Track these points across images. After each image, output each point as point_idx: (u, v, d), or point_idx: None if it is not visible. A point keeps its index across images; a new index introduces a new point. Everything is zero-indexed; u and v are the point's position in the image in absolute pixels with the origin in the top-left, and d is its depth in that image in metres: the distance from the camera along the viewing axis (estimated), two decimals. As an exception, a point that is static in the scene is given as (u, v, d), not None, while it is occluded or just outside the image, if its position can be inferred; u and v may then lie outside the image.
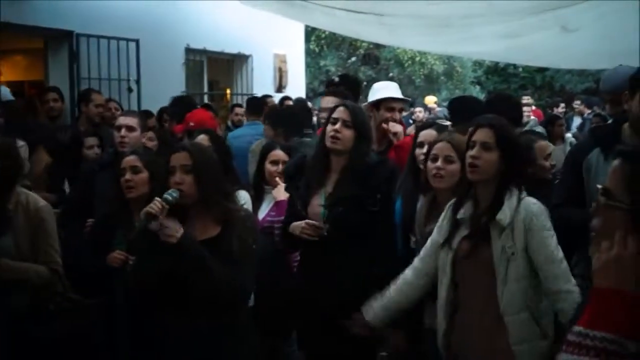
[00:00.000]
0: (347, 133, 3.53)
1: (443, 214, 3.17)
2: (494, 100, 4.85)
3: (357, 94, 5.59)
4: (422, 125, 4.24)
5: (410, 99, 5.17)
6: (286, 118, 5.74)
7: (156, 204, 2.95)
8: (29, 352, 3.37)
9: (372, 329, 3.30)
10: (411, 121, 10.67)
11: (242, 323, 3.18)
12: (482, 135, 3.00)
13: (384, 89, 4.91)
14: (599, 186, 1.49)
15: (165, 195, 2.98)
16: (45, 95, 6.55)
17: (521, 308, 2.87)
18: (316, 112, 8.07)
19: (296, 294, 3.74)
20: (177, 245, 2.95)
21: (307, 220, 3.53)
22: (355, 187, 3.52)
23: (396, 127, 4.66)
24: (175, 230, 2.97)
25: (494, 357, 2.90)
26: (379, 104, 4.74)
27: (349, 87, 5.36)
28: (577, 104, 13.13)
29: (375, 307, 3.25)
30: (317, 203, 3.60)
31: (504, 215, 2.89)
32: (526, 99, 13.15)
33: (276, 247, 4.01)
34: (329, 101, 4.67)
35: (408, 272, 3.24)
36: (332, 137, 3.53)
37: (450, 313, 3.05)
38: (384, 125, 4.64)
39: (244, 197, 4.04)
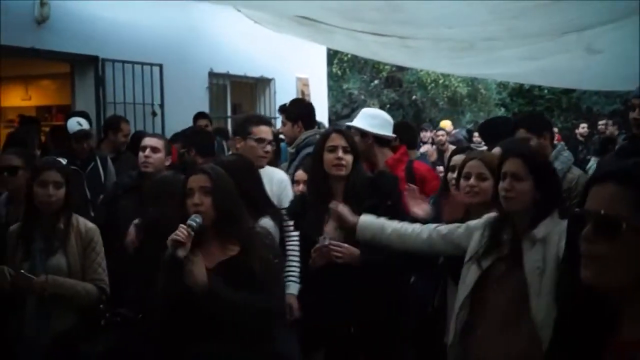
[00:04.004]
0: (348, 158, 3.58)
1: (480, 230, 3.10)
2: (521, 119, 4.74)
3: (310, 118, 5.42)
4: (455, 150, 4.27)
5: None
6: (196, 138, 5.31)
7: (182, 232, 2.92)
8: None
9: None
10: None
11: (274, 347, 3.14)
12: (512, 166, 2.95)
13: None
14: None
15: (190, 222, 2.96)
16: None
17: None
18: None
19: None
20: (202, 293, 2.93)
21: (322, 246, 3.48)
22: (364, 202, 3.53)
23: None
24: (201, 275, 2.96)
25: None
26: None
27: (300, 112, 5.34)
28: (601, 124, 12.59)
29: (374, 221, 3.33)
30: (332, 228, 3.57)
31: (538, 230, 2.86)
32: None
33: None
34: (262, 131, 4.32)
35: (430, 227, 3.26)
36: (336, 165, 3.56)
37: (463, 329, 2.98)
38: None
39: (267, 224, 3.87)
